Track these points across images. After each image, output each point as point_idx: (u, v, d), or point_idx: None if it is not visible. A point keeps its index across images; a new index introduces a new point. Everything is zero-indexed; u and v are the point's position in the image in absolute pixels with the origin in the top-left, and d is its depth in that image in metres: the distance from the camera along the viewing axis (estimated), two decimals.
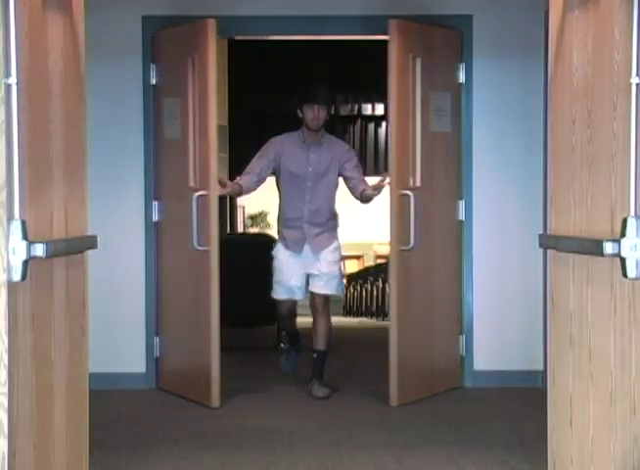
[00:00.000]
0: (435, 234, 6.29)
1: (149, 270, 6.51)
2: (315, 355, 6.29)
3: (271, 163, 6.17)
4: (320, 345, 6.28)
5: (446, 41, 6.35)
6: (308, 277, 6.21)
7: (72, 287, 3.68)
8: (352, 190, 6.21)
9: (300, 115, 6.16)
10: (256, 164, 6.18)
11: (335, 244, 6.25)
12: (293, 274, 6.18)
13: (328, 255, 6.19)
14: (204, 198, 5.88)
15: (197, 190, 5.92)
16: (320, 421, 5.58)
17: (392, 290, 5.96)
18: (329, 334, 6.31)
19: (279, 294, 6.25)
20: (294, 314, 6.43)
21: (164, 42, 6.32)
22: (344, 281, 6.53)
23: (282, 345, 6.72)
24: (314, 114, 6.10)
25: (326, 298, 6.28)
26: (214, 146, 5.87)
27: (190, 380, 6.17)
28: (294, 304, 6.33)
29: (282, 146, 6.19)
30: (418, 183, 6.04)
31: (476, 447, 4.94)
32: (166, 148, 6.35)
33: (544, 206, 5.98)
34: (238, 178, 6.17)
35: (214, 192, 5.86)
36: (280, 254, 6.25)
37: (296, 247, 6.19)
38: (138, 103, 6.48)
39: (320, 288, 6.21)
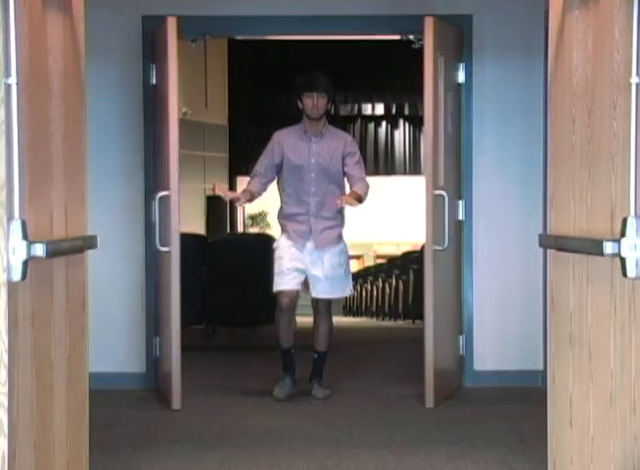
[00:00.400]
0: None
1: (149, 270, 6.50)
2: (316, 356, 6.28)
3: (274, 160, 6.13)
4: (321, 346, 6.26)
5: (453, 40, 6.35)
6: (307, 276, 6.15)
7: (72, 287, 3.68)
8: (350, 188, 6.17)
9: (300, 105, 6.10)
10: (260, 164, 6.16)
11: (340, 246, 6.14)
12: (293, 261, 6.02)
13: (333, 258, 6.09)
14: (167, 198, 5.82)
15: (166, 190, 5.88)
16: (320, 421, 5.58)
17: (428, 291, 5.88)
18: (330, 335, 6.29)
19: (280, 285, 6.03)
20: (294, 310, 6.17)
21: (157, 42, 6.31)
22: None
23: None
24: (313, 102, 6.02)
25: (329, 301, 6.24)
26: (175, 147, 5.77)
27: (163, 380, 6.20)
28: (296, 295, 6.11)
29: (282, 139, 6.13)
30: (442, 183, 6.03)
31: (476, 447, 4.94)
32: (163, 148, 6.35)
33: (544, 206, 5.98)
34: (247, 185, 6.17)
35: (175, 192, 5.79)
36: (282, 242, 6.12)
37: (299, 239, 6.06)
38: (138, 103, 6.47)
39: (323, 292, 6.14)
